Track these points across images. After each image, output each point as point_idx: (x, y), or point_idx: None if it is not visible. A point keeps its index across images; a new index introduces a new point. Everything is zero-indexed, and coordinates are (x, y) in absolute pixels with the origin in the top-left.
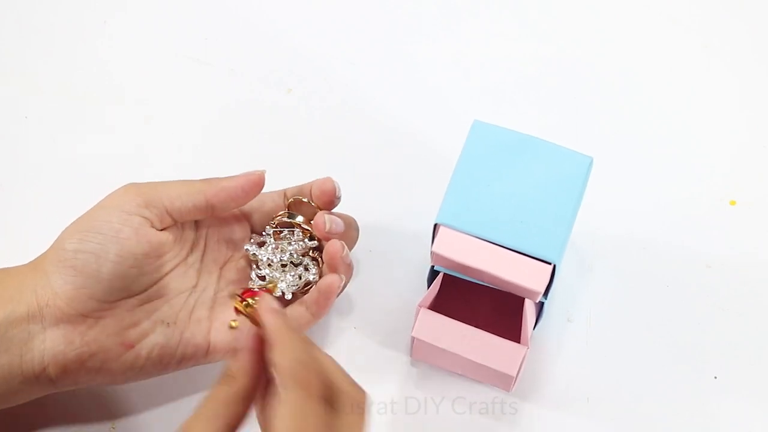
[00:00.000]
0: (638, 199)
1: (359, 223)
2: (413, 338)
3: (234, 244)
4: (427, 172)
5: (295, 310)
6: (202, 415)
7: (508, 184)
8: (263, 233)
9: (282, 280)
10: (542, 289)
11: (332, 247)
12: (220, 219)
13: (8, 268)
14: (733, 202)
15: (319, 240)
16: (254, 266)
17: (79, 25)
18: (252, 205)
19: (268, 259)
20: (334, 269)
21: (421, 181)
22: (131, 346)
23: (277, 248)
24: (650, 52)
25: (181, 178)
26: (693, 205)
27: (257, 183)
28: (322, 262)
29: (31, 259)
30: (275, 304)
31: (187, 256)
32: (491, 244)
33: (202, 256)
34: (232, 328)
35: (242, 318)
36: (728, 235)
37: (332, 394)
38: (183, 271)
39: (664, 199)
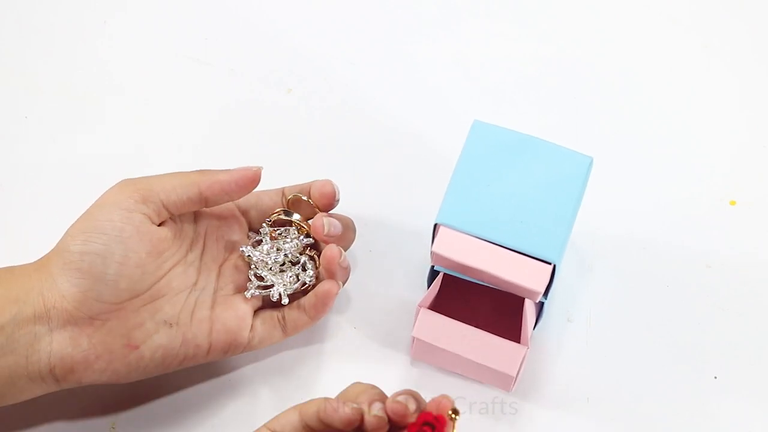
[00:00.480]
0: (638, 199)
1: (359, 223)
2: (413, 338)
3: (232, 244)
4: (427, 172)
5: (292, 312)
6: None
7: (508, 184)
8: (260, 231)
9: (279, 283)
10: (542, 289)
11: (330, 252)
12: (218, 217)
13: (12, 267)
14: (733, 202)
15: (315, 237)
16: (252, 266)
17: (79, 25)
18: (249, 201)
19: (263, 260)
20: (331, 274)
21: (421, 181)
22: (136, 347)
23: (273, 248)
24: (650, 52)
25: None
26: (693, 205)
27: (252, 179)
28: (320, 263)
29: (32, 258)
30: None
31: (187, 253)
32: (491, 244)
33: (201, 254)
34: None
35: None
36: (728, 235)
37: None
38: (183, 269)
39: (664, 199)
